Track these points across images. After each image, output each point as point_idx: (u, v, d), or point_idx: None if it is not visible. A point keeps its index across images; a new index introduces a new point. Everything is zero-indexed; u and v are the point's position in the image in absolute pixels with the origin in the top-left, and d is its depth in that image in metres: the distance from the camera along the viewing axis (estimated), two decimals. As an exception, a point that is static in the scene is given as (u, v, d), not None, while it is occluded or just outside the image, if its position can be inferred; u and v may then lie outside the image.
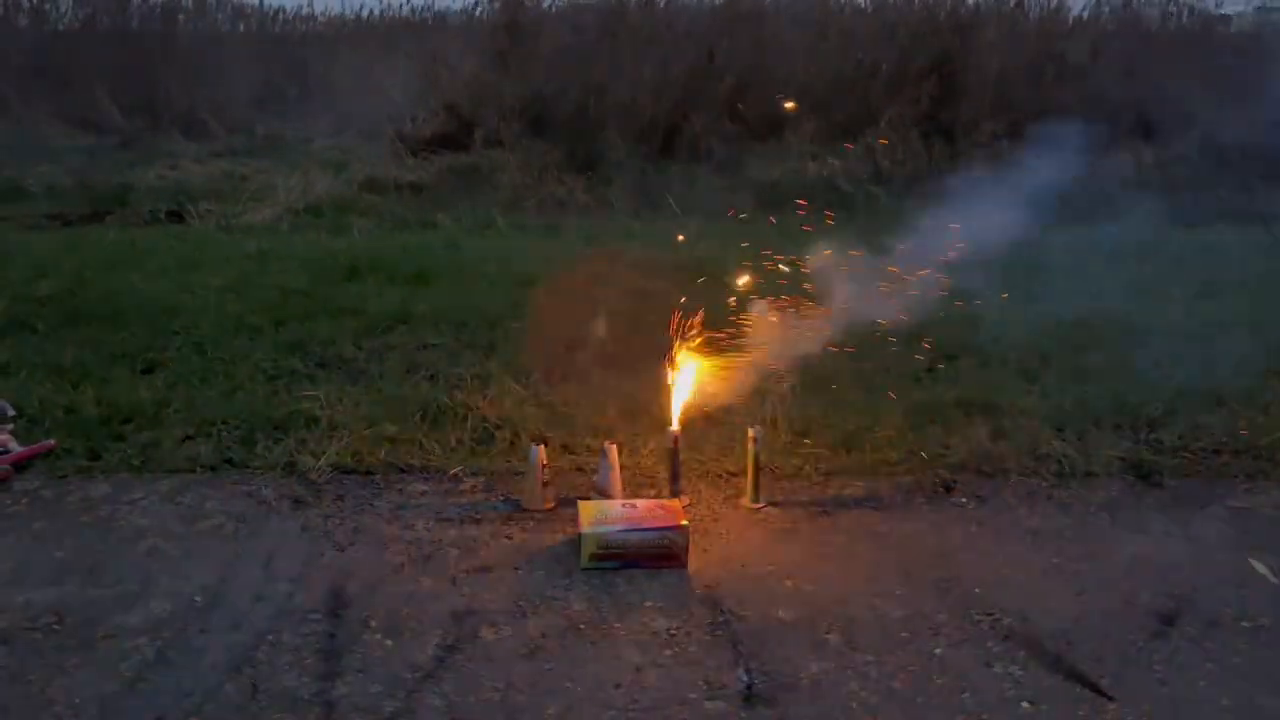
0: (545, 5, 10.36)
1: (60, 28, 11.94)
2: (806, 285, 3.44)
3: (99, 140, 10.41)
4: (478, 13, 11.17)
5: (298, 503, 2.99)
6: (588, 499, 2.92)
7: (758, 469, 3.02)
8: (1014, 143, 9.29)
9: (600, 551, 2.63)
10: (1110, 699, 2.14)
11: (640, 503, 2.84)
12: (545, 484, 2.98)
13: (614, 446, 3.05)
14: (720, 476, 3.20)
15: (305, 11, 14.88)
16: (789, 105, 8.47)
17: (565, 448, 3.37)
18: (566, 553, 2.72)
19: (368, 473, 3.19)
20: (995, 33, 10.14)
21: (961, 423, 3.56)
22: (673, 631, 2.37)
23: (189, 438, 3.37)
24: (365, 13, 14.20)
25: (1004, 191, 4.14)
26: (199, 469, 3.19)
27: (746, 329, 3.25)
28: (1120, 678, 2.21)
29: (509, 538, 2.82)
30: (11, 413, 3.40)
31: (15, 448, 3.22)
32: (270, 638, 2.31)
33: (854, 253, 3.57)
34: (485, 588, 2.54)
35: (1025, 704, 2.13)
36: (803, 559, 2.72)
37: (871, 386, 3.82)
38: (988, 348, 4.20)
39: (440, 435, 3.41)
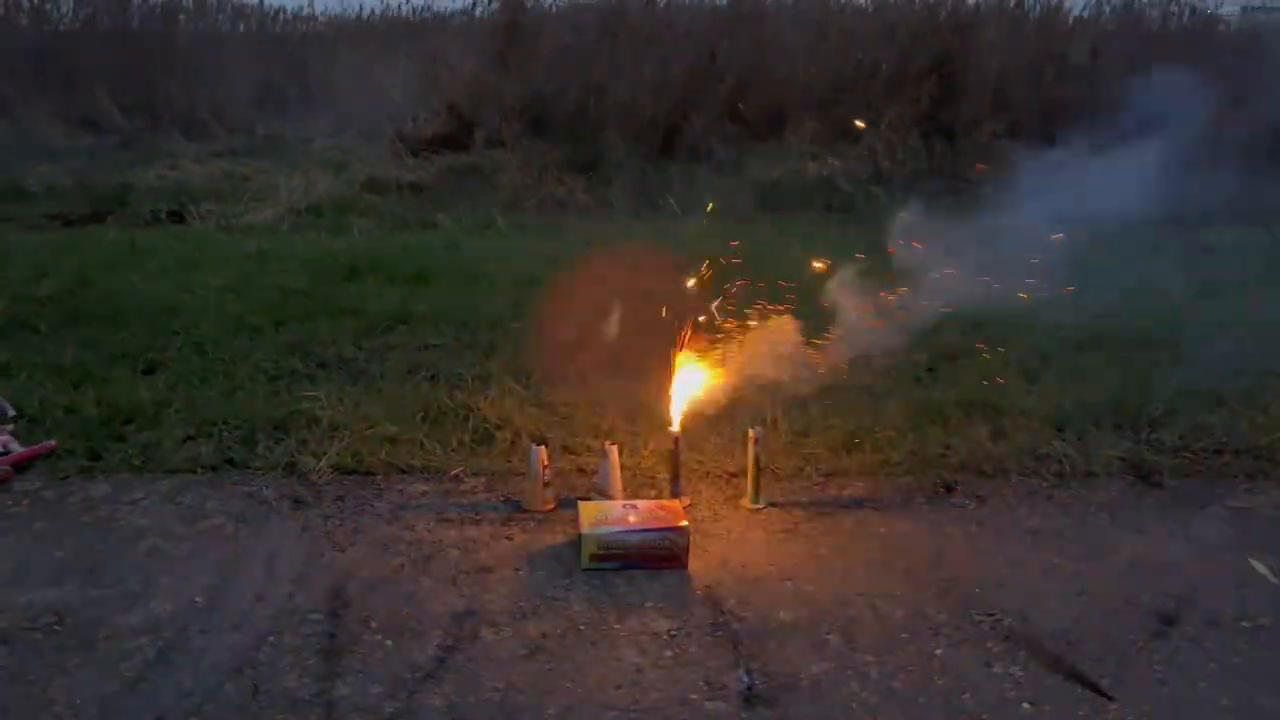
0: (545, 5, 10.36)
1: (61, 28, 11.95)
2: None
3: (99, 140, 10.42)
4: (477, 13, 11.18)
5: (298, 503, 2.99)
6: (588, 500, 2.92)
7: (758, 470, 3.02)
8: (1014, 142, 9.32)
9: (601, 552, 2.63)
10: (1110, 699, 2.14)
11: (641, 503, 2.83)
12: (546, 485, 2.98)
13: (614, 447, 3.05)
14: (720, 477, 3.20)
15: (305, 11, 14.86)
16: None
17: (566, 448, 3.37)
18: (567, 553, 2.72)
19: (368, 473, 3.19)
20: (995, 32, 10.14)
21: (962, 423, 3.56)
22: (673, 632, 2.37)
23: (189, 438, 3.37)
24: (365, 13, 14.19)
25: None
26: (199, 469, 3.19)
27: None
28: (1120, 678, 2.21)
29: (509, 538, 2.82)
30: (12, 413, 3.40)
31: (16, 448, 3.23)
32: (271, 638, 2.31)
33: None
34: (486, 588, 2.55)
35: (1025, 704, 2.13)
36: (803, 559, 2.72)
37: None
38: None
39: (441, 436, 3.41)
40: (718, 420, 3.39)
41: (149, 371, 3.98)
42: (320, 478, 3.14)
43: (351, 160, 9.22)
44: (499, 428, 3.47)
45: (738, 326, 3.25)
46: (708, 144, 9.10)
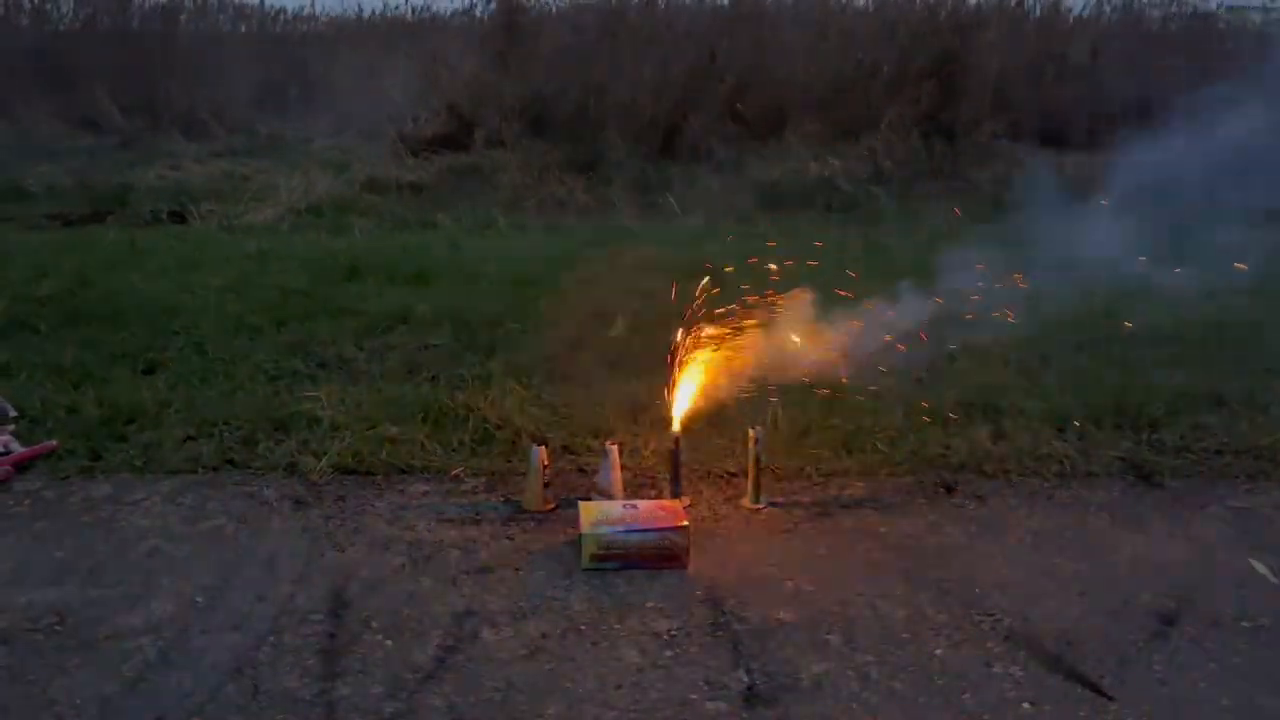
0: (546, 5, 10.37)
1: (61, 28, 11.96)
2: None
3: (99, 140, 10.43)
4: (477, 13, 11.18)
5: (299, 503, 2.99)
6: (588, 500, 2.92)
7: (758, 469, 3.02)
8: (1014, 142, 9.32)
9: (601, 552, 2.63)
10: (1110, 699, 2.14)
11: (641, 503, 2.84)
12: (546, 485, 2.98)
13: (615, 447, 3.05)
14: (721, 477, 3.20)
15: (306, 11, 14.87)
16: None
17: (566, 448, 3.37)
18: (567, 553, 2.72)
19: (369, 473, 3.19)
20: (996, 32, 10.14)
21: (962, 423, 3.56)
22: (673, 632, 2.37)
23: (190, 438, 3.37)
24: (366, 13, 14.19)
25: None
26: (200, 469, 3.19)
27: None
28: (1120, 678, 2.21)
29: (510, 538, 2.82)
30: (13, 413, 3.40)
31: (17, 448, 3.23)
32: (271, 638, 2.31)
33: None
34: (486, 588, 2.55)
35: (1026, 704, 2.13)
36: (803, 559, 2.72)
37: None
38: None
39: (441, 436, 3.41)
40: (718, 420, 3.39)
41: (149, 371, 3.98)
42: (321, 478, 3.14)
43: (352, 160, 9.22)
44: (499, 428, 3.47)
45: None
46: (708, 144, 9.10)
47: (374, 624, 2.38)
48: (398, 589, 2.54)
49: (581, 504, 2.82)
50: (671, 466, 3.03)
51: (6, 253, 6.08)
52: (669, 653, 2.29)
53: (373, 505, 3.00)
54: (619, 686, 2.16)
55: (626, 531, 2.64)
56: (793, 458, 3.32)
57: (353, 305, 4.88)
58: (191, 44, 12.38)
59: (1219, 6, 11.88)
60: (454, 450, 3.34)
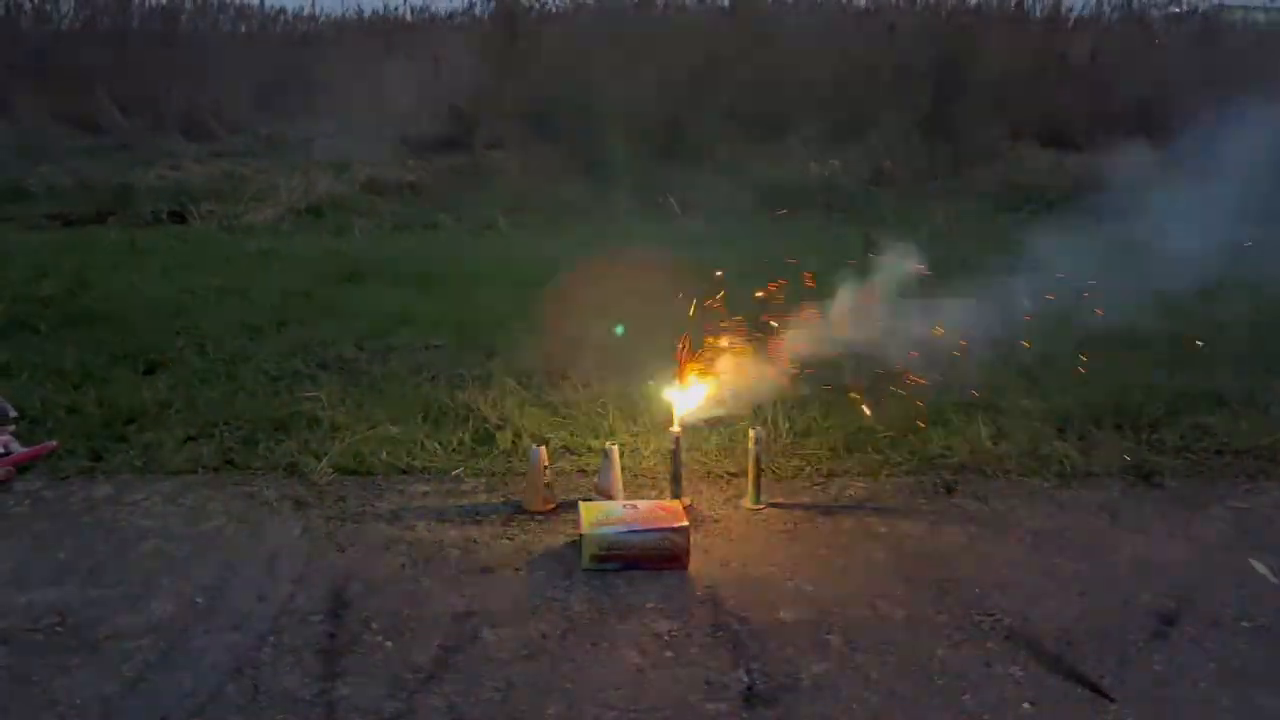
0: (546, 6, 10.37)
1: (61, 28, 11.95)
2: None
3: (100, 140, 10.42)
4: (477, 13, 11.19)
5: (299, 504, 2.99)
6: (589, 500, 2.92)
7: (758, 470, 3.02)
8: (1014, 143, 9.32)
9: (601, 553, 2.63)
10: (1111, 699, 2.14)
11: (641, 504, 2.84)
12: (546, 485, 2.99)
13: (615, 448, 3.05)
14: (721, 477, 3.20)
15: (306, 12, 14.85)
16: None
17: (566, 449, 3.37)
18: (567, 554, 2.72)
19: (369, 474, 3.19)
20: (996, 33, 10.15)
21: (962, 423, 3.56)
22: (674, 632, 2.37)
23: (191, 439, 3.37)
24: (366, 14, 14.19)
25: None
26: (201, 470, 3.19)
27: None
28: (1121, 678, 2.21)
29: (510, 539, 2.82)
30: (13, 414, 3.40)
31: (17, 449, 3.23)
32: (272, 639, 2.31)
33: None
34: (486, 589, 2.55)
35: (1026, 704, 2.13)
36: (803, 560, 2.72)
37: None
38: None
39: (441, 436, 3.42)
40: (718, 420, 3.39)
41: (150, 372, 3.98)
42: (321, 478, 3.14)
43: (352, 161, 9.21)
44: (500, 428, 3.48)
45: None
46: (709, 145, 9.10)
47: (374, 624, 2.38)
48: (398, 589, 2.54)
49: (582, 504, 2.82)
50: (672, 467, 3.03)
51: (7, 253, 6.08)
52: (669, 653, 2.29)
53: (373, 506, 3.00)
54: (619, 687, 2.16)
55: (627, 532, 2.64)
56: (793, 458, 3.32)
57: (353, 306, 4.88)
58: (191, 44, 12.36)
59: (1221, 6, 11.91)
60: (454, 451, 3.34)
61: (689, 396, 3.06)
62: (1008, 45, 10.12)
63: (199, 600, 2.47)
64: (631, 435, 3.42)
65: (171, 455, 3.26)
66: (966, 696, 2.15)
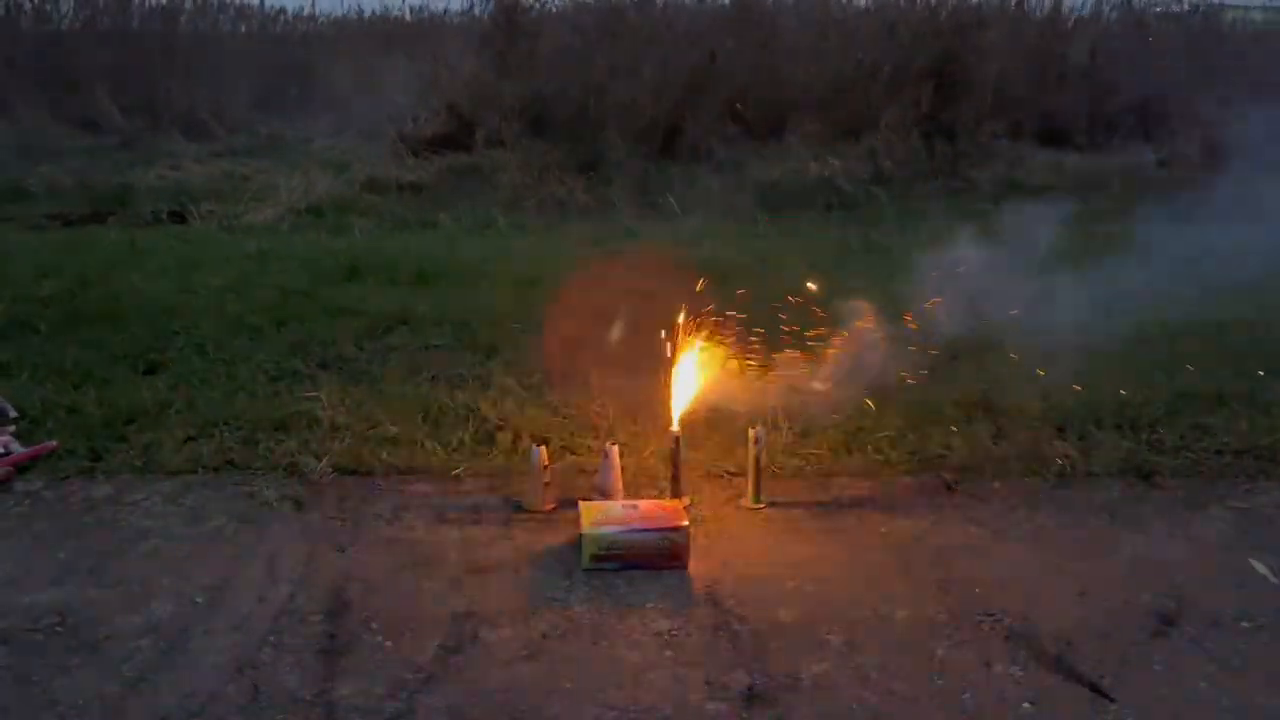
0: (546, 5, 10.36)
1: (61, 28, 11.95)
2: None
3: (100, 140, 10.42)
4: (476, 13, 11.18)
5: (299, 504, 2.99)
6: (589, 500, 2.92)
7: (759, 469, 3.02)
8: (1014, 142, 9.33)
9: (601, 552, 2.63)
10: (1111, 699, 2.14)
11: (641, 503, 2.84)
12: (546, 485, 2.99)
13: (615, 447, 3.05)
14: (721, 477, 3.20)
15: (306, 12, 14.84)
16: None
17: (566, 448, 3.37)
18: (567, 553, 2.72)
19: (369, 474, 3.19)
20: (996, 33, 10.14)
21: (963, 423, 3.56)
22: (674, 632, 2.37)
23: (191, 439, 3.37)
24: (366, 13, 14.19)
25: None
26: (201, 470, 3.19)
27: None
28: (1121, 678, 2.21)
29: (510, 539, 2.82)
30: (13, 414, 3.41)
31: (17, 448, 3.23)
32: (272, 639, 2.31)
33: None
34: (486, 589, 2.55)
35: (1026, 704, 2.13)
36: (804, 559, 2.72)
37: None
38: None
39: (441, 436, 3.41)
40: (719, 419, 3.39)
41: (150, 372, 3.98)
42: (321, 478, 3.14)
43: (352, 160, 9.22)
44: (500, 428, 3.47)
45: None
46: (708, 144, 9.10)
47: (374, 624, 2.38)
48: (398, 589, 2.54)
49: (582, 504, 2.83)
50: (672, 466, 3.03)
51: (7, 253, 6.08)
52: (669, 653, 2.29)
53: (373, 506, 3.00)
54: (619, 686, 2.16)
55: (627, 531, 2.64)
56: (794, 458, 3.32)
57: (353, 305, 4.88)
58: (191, 44, 12.37)
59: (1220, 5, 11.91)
60: (454, 450, 3.34)
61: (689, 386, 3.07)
62: (1008, 45, 10.11)
63: (199, 600, 2.47)
64: (632, 435, 3.42)
65: (171, 455, 3.25)
66: (966, 696, 2.15)
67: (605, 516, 2.71)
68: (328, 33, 14.10)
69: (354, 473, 3.19)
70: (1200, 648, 2.33)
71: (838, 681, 2.19)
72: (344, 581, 2.57)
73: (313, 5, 17.65)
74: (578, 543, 2.69)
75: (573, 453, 3.36)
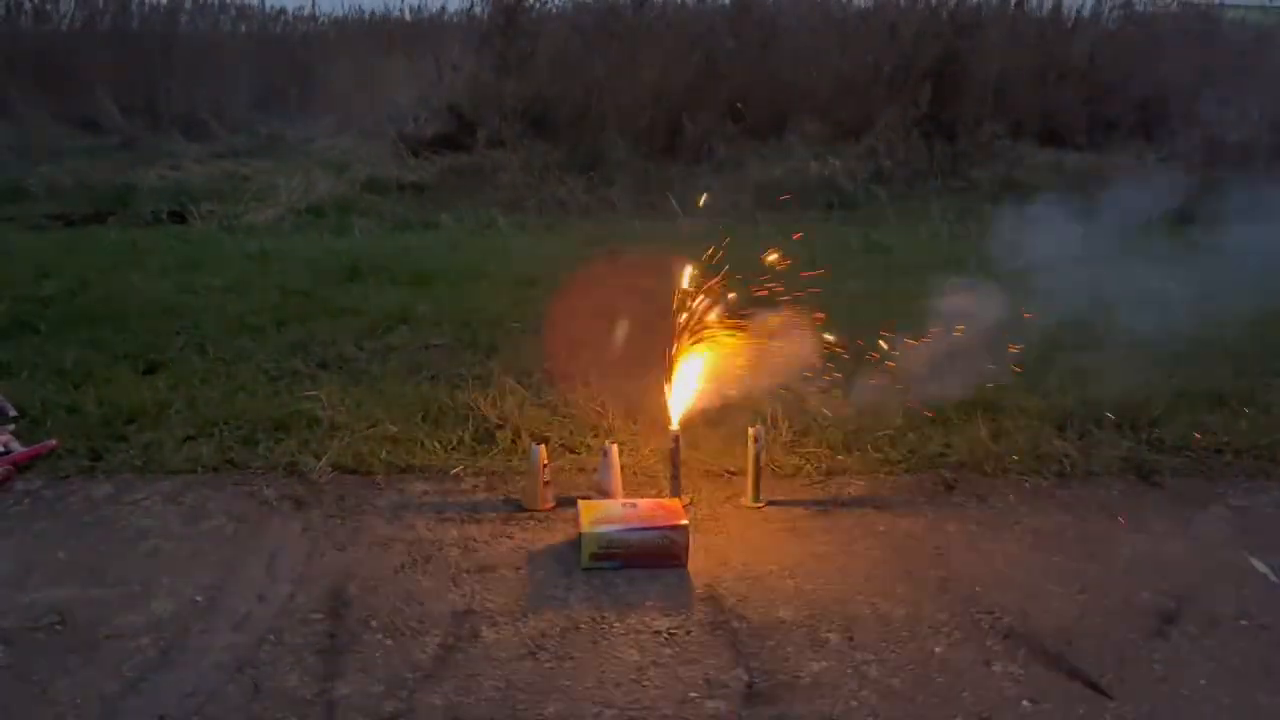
0: (546, 5, 10.36)
1: (61, 28, 11.94)
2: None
3: (100, 140, 10.42)
4: (476, 11, 11.18)
5: (299, 503, 2.99)
6: (588, 498, 2.92)
7: (758, 468, 3.02)
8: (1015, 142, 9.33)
9: (601, 551, 2.63)
10: (1110, 698, 2.14)
11: (641, 502, 2.84)
12: (546, 484, 2.99)
13: (615, 446, 3.05)
14: (721, 476, 3.20)
15: (306, 12, 14.84)
16: None
17: (566, 447, 3.37)
18: (567, 552, 2.72)
19: (369, 473, 3.19)
20: (996, 33, 10.14)
21: (962, 422, 3.56)
22: (673, 631, 2.37)
23: (191, 438, 3.37)
24: (366, 13, 14.19)
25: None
26: (201, 469, 3.19)
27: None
28: (1120, 677, 2.22)
29: (509, 537, 2.82)
30: (13, 413, 3.41)
31: (17, 448, 3.23)
32: (272, 638, 2.31)
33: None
34: (486, 587, 2.55)
35: (1025, 703, 2.13)
36: (803, 558, 2.72)
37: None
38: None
39: (441, 435, 3.42)
40: (718, 419, 3.39)
41: (150, 372, 3.98)
42: (321, 477, 3.14)
43: (352, 160, 9.21)
44: (499, 427, 3.48)
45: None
46: (709, 144, 9.10)
47: (374, 623, 2.38)
48: (398, 588, 2.54)
49: (581, 503, 2.83)
50: (671, 465, 3.03)
51: (7, 253, 6.08)
52: (669, 651, 2.29)
53: (373, 504, 3.00)
54: (618, 685, 2.17)
55: (626, 530, 2.64)
56: (793, 457, 3.32)
57: (353, 305, 4.88)
58: (191, 44, 12.35)
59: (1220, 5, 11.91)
60: (454, 449, 3.34)
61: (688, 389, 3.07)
62: (1008, 45, 10.11)
63: (199, 599, 2.47)
64: (631, 434, 3.42)
65: (171, 455, 3.26)
66: (966, 694, 2.15)
67: (605, 515, 2.71)
68: (328, 33, 14.09)
69: (354, 472, 3.19)
70: (1200, 646, 2.33)
71: (837, 680, 2.19)
72: (344, 580, 2.57)
73: (313, 5, 17.66)
74: (577, 541, 2.69)
75: (572, 451, 3.36)
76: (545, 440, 3.17)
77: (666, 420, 3.08)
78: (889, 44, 9.93)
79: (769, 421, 3.42)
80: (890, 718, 2.08)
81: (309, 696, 2.11)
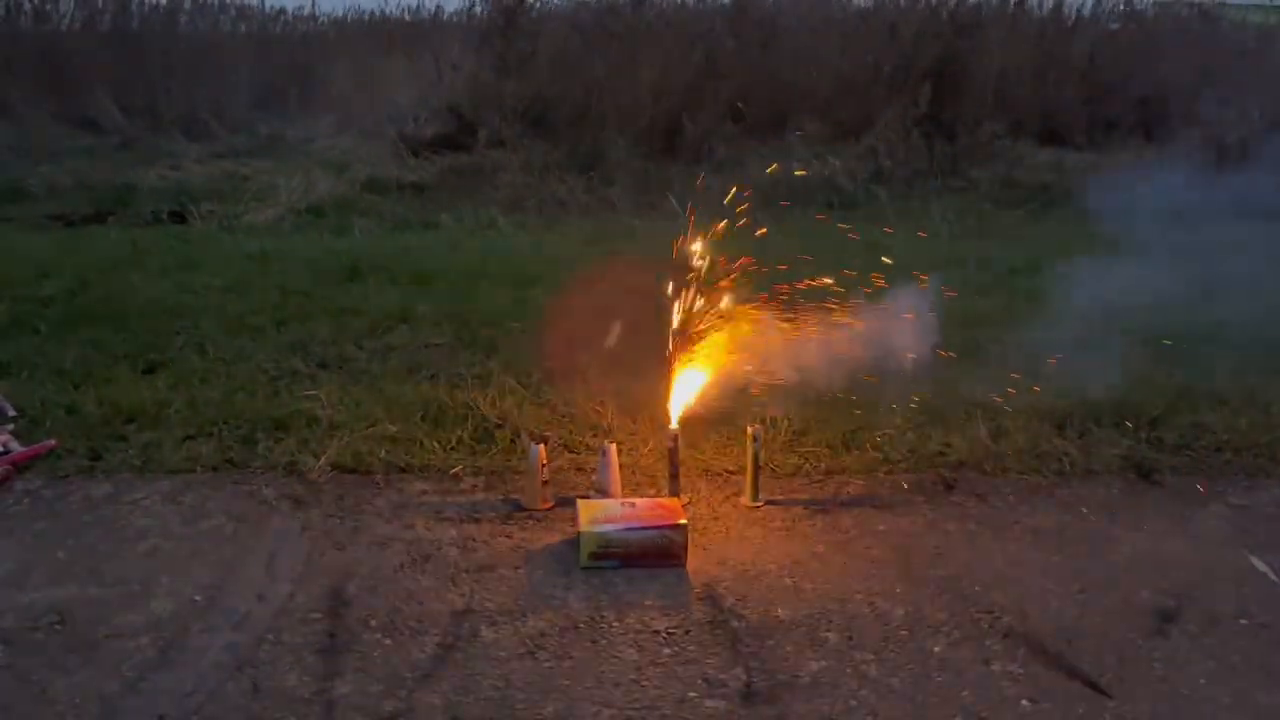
0: (546, 5, 10.36)
1: (61, 28, 11.94)
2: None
3: (100, 140, 10.41)
4: (475, 10, 11.18)
5: (298, 502, 2.99)
6: (587, 498, 2.92)
7: (757, 467, 3.02)
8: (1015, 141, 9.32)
9: (599, 550, 2.63)
10: (1110, 697, 2.14)
11: (639, 501, 2.84)
12: (545, 483, 2.99)
13: (613, 445, 3.05)
14: (719, 475, 3.20)
15: (306, 12, 14.82)
16: None
17: (565, 447, 3.37)
18: (566, 552, 2.72)
19: (368, 472, 3.19)
20: (996, 32, 10.14)
21: (961, 421, 3.56)
22: (672, 630, 2.37)
23: (190, 438, 3.37)
24: (366, 13, 14.19)
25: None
26: (200, 469, 3.19)
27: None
28: (1120, 676, 2.22)
29: (508, 537, 2.82)
30: (12, 413, 3.41)
31: (16, 447, 3.23)
32: (271, 637, 2.31)
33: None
34: (485, 587, 2.55)
35: (1025, 702, 2.13)
36: (802, 557, 2.72)
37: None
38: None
39: (440, 434, 3.41)
40: (717, 418, 3.39)
41: (150, 371, 3.98)
42: (320, 477, 3.14)
43: (352, 160, 9.21)
44: (498, 426, 3.48)
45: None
46: (709, 144, 9.09)
47: (373, 622, 2.38)
48: (397, 587, 2.54)
49: (580, 502, 2.83)
50: (670, 464, 3.03)
51: (7, 253, 6.08)
52: (667, 651, 2.29)
53: (372, 504, 3.00)
54: (617, 684, 2.17)
55: (625, 530, 2.64)
56: (792, 456, 3.32)
57: (353, 305, 4.88)
58: (191, 44, 12.35)
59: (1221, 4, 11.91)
60: (453, 449, 3.34)
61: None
62: (1008, 45, 10.10)
63: (198, 599, 2.47)
64: (630, 433, 3.42)
65: (171, 454, 3.26)
66: (965, 694, 2.15)
67: (603, 515, 2.71)
68: (328, 33, 14.08)
69: (353, 471, 3.19)
70: (1199, 645, 2.33)
71: (836, 679, 2.19)
72: (343, 580, 2.57)
73: (313, 5, 17.63)
74: (576, 541, 2.69)
75: (571, 451, 3.36)
76: (544, 439, 3.16)
77: (665, 419, 3.08)
78: (889, 44, 9.92)
79: (767, 421, 3.42)
80: (889, 717, 2.08)
81: (308, 696, 2.11)
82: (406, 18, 13.55)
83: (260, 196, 7.92)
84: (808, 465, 3.28)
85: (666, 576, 2.61)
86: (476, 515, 2.94)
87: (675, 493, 3.01)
